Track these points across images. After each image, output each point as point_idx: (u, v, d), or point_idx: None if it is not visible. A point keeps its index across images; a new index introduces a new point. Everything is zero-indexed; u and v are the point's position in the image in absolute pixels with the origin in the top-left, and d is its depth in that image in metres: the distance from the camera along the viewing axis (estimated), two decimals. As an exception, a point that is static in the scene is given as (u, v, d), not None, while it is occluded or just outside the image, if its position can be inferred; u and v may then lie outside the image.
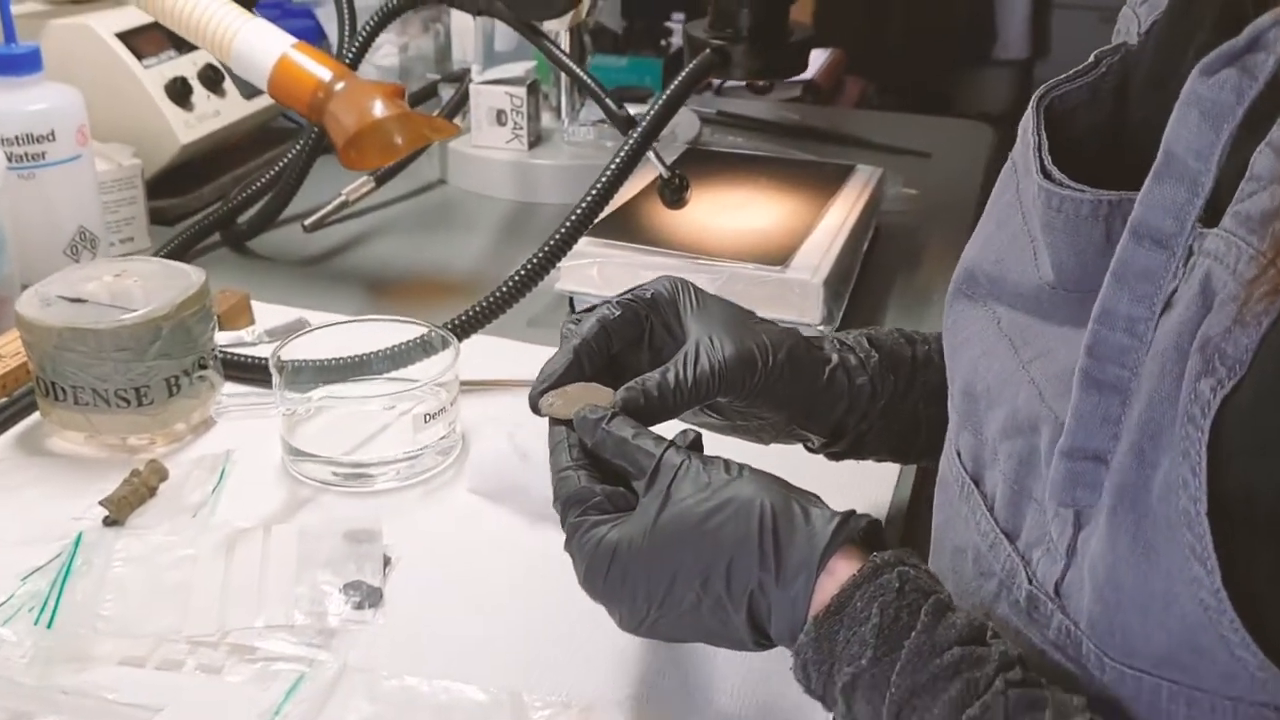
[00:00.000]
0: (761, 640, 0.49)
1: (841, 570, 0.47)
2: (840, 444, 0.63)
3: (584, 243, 0.87)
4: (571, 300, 0.91)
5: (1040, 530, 0.45)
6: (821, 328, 0.85)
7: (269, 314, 0.90)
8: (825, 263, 0.88)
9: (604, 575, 0.49)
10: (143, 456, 0.72)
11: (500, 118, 1.14)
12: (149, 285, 0.74)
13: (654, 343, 0.60)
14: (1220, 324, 0.37)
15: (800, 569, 0.47)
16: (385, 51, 1.34)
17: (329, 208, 1.07)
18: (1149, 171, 0.41)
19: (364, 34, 0.96)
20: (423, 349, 0.76)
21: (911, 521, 0.72)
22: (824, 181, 1.04)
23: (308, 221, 1.06)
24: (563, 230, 0.80)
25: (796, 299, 0.86)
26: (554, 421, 0.54)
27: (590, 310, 0.59)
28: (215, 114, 1.10)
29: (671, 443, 0.52)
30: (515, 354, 0.85)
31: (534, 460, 0.66)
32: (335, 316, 0.91)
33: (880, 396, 0.62)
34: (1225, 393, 0.36)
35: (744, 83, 1.53)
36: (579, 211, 0.81)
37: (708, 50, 0.87)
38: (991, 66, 4.92)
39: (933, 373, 0.62)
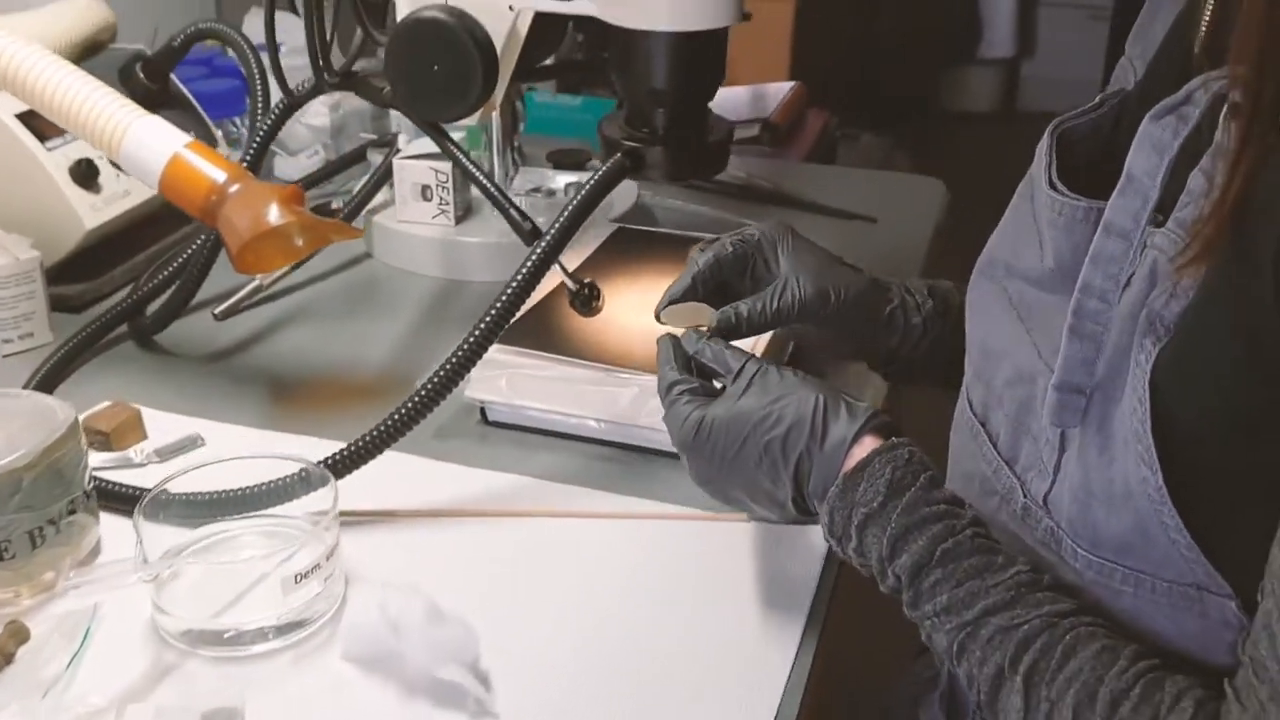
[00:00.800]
0: (798, 500, 0.66)
1: (868, 443, 0.64)
2: (892, 367, 0.83)
3: (495, 350, 0.84)
4: (483, 409, 0.88)
5: (1034, 457, 0.61)
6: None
7: (164, 426, 0.86)
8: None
9: (694, 434, 0.67)
10: (8, 611, 0.68)
11: (425, 193, 1.10)
12: (10, 428, 0.70)
13: (755, 273, 0.79)
14: (1160, 298, 0.53)
15: (840, 440, 0.64)
16: (316, 110, 1.30)
17: (242, 293, 1.03)
18: None
19: (261, 135, 0.91)
20: (303, 483, 0.73)
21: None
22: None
23: (218, 310, 1.02)
24: (454, 359, 0.76)
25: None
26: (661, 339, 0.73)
27: (712, 243, 0.79)
28: (125, 194, 1.05)
29: (752, 355, 0.70)
30: (415, 472, 0.82)
31: (406, 631, 0.62)
32: (232, 429, 0.87)
33: (929, 334, 0.81)
34: (1161, 345, 0.52)
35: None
36: (475, 335, 0.77)
37: (619, 155, 0.82)
38: (978, 65, 4.88)
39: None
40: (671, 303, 0.76)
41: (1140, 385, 0.53)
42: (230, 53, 1.14)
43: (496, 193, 0.83)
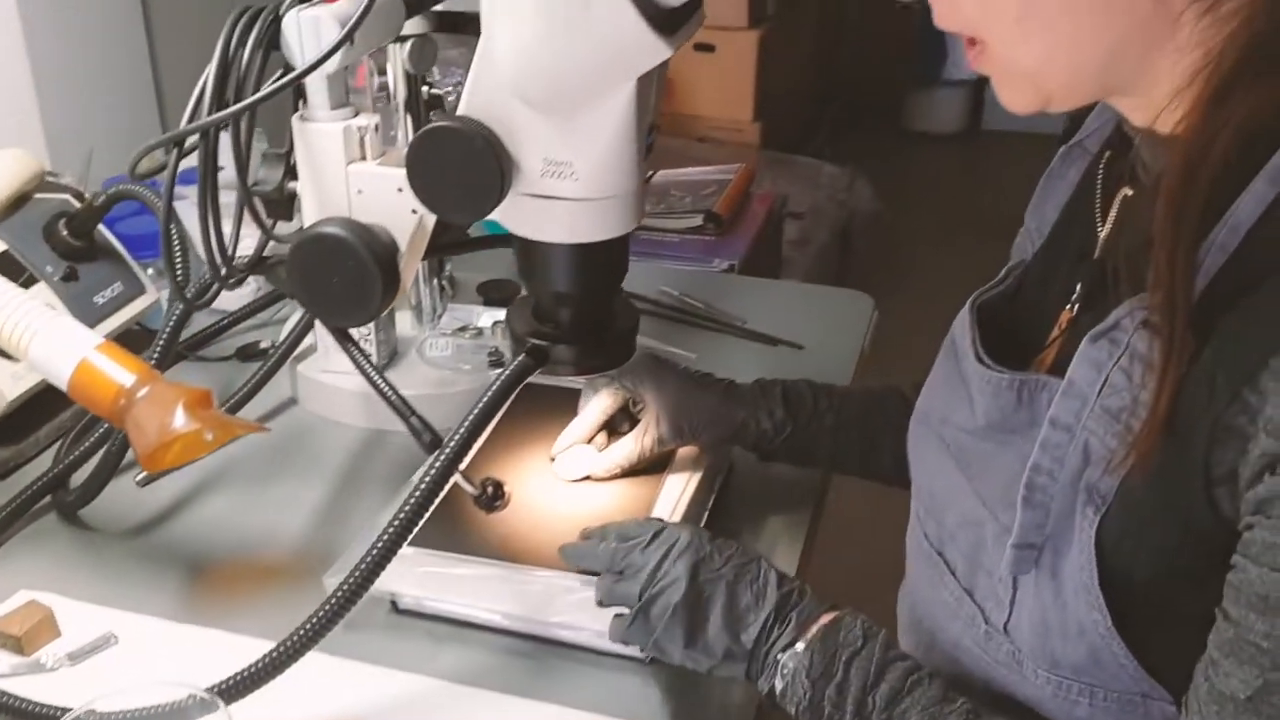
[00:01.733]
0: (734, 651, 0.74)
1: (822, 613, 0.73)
2: (758, 452, 0.99)
3: (405, 547, 0.85)
4: (393, 600, 0.89)
5: (990, 589, 0.69)
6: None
7: (79, 620, 0.87)
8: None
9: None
10: None
11: (349, 343, 1.11)
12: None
13: (634, 405, 0.98)
14: (1096, 473, 0.62)
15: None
16: (247, 244, 1.30)
17: (165, 458, 1.04)
18: (1034, 348, 0.74)
19: (166, 333, 0.92)
20: (198, 707, 0.73)
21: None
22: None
23: (140, 476, 1.03)
24: (354, 578, 0.77)
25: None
26: None
27: (596, 383, 0.98)
28: (46, 359, 1.06)
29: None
30: (320, 672, 0.82)
31: None
32: (147, 622, 0.88)
33: (780, 435, 0.97)
34: (1101, 513, 0.62)
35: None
36: (374, 552, 0.78)
37: (524, 356, 0.84)
38: (942, 87, 4.90)
39: (824, 422, 0.97)
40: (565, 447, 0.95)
41: (1086, 546, 0.63)
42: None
43: (397, 400, 0.84)
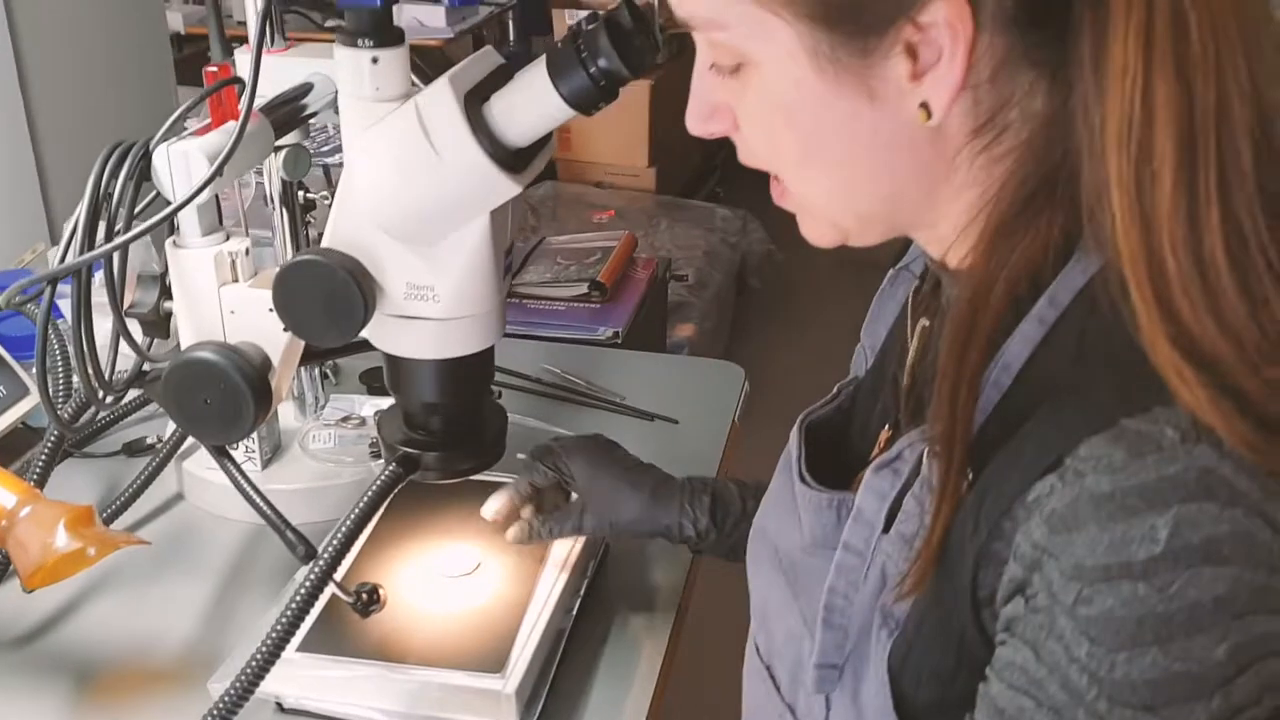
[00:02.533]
0: None
1: None
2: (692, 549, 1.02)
3: (287, 651, 0.88)
4: (279, 702, 0.92)
5: (809, 706, 0.70)
6: None
7: (-36, 738, 0.89)
8: (526, 665, 0.91)
9: None
10: None
11: (233, 441, 1.14)
12: None
13: (564, 485, 1.02)
14: (890, 597, 0.63)
15: None
16: (125, 358, 1.32)
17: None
18: (860, 465, 0.71)
19: (44, 456, 0.95)
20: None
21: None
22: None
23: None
24: (235, 687, 0.81)
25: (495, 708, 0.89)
26: None
27: (529, 460, 1.03)
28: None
29: None
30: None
31: None
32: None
33: (705, 540, 0.99)
34: (895, 637, 0.63)
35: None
36: (256, 660, 0.82)
37: (394, 465, 0.88)
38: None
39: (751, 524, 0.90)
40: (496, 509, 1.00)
41: (880, 668, 0.64)
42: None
43: (273, 515, 0.88)
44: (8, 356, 1.21)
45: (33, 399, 1.21)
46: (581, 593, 1.02)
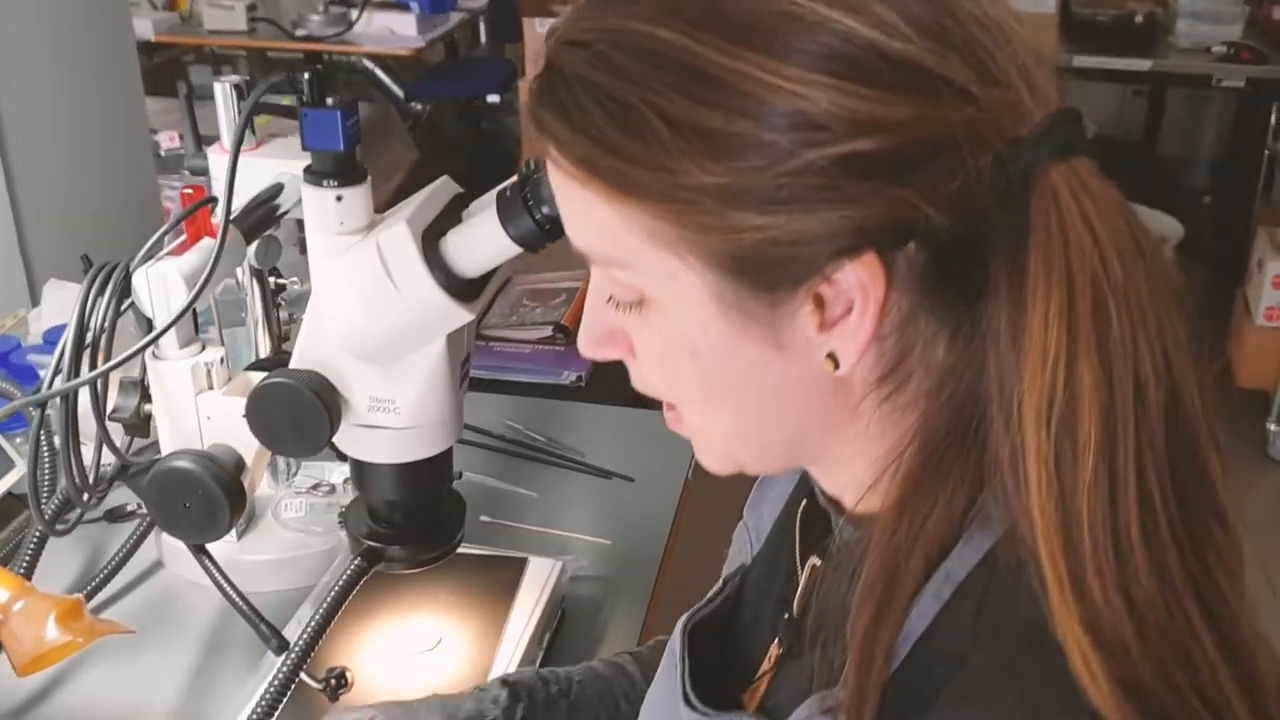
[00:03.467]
0: None
1: None
2: None
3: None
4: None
5: None
6: None
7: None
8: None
9: None
10: None
11: (210, 514, 1.21)
12: None
13: None
14: None
15: None
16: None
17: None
18: (749, 673, 0.71)
19: (32, 548, 1.01)
20: None
21: None
22: (499, 590, 1.14)
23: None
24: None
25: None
26: None
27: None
28: (-79, 548, 1.14)
29: None
30: None
31: None
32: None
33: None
34: None
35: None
36: (235, 749, 0.89)
37: (358, 558, 0.95)
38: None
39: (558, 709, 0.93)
40: None
41: None
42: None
43: (248, 610, 0.95)
44: (-6, 434, 1.28)
45: (18, 472, 1.28)
46: (539, 661, 1.09)
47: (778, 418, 0.60)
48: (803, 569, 0.70)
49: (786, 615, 0.71)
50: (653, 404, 0.66)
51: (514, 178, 0.84)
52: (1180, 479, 0.51)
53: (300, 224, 1.30)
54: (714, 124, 0.52)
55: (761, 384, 0.58)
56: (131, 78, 1.95)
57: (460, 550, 1.13)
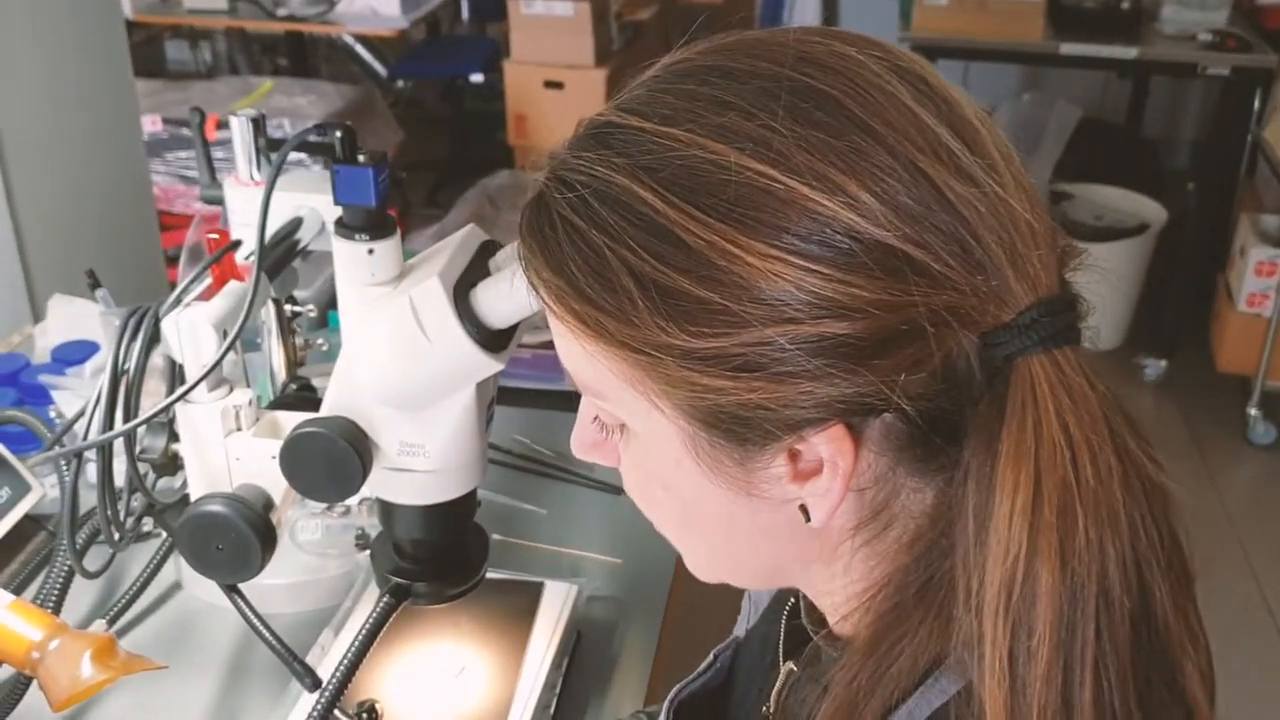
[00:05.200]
0: None
1: None
2: None
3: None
4: (284, 804, 1.02)
5: None
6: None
7: (0, 847, 0.98)
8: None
9: None
10: None
11: (229, 538, 1.23)
12: None
13: None
14: None
15: None
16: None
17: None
18: None
19: (58, 587, 1.03)
20: None
21: None
22: (518, 615, 1.16)
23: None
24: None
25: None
26: None
27: None
28: (-55, 578, 1.15)
29: None
30: None
31: None
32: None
33: None
34: None
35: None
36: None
37: (387, 596, 0.97)
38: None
39: None
40: None
41: None
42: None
43: (280, 646, 0.97)
44: (10, 456, 1.28)
45: (36, 494, 1.29)
46: (558, 687, 1.12)
47: (751, 553, 0.61)
48: (782, 670, 0.71)
49: (764, 709, 0.72)
50: None
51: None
52: (1144, 687, 0.51)
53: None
54: (681, 287, 0.52)
55: (734, 524, 0.59)
56: (123, 73, 1.94)
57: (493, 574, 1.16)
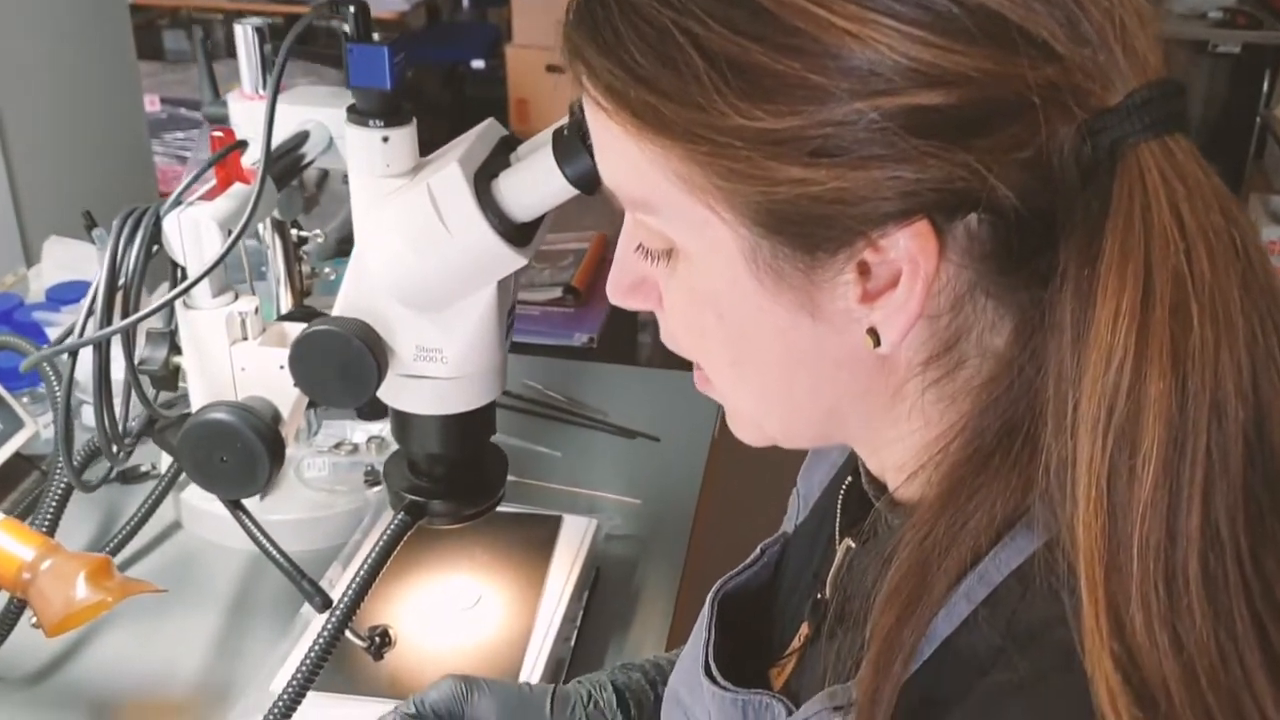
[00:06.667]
0: None
1: None
2: None
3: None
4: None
5: None
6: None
7: (-9, 780, 0.93)
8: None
9: None
10: None
11: (231, 473, 1.17)
12: None
13: None
14: None
15: None
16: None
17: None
18: (780, 649, 0.68)
19: (53, 507, 0.98)
20: None
21: None
22: (536, 548, 1.11)
23: (34, 620, 1.07)
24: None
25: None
26: None
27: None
28: (-65, 509, 1.10)
29: None
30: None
31: None
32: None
33: None
34: None
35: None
36: (277, 709, 0.86)
37: (401, 513, 0.92)
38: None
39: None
40: None
41: None
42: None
43: (289, 567, 0.92)
44: (3, 391, 1.23)
45: (28, 431, 1.24)
46: (578, 621, 1.07)
47: (809, 391, 0.55)
48: (839, 548, 0.66)
49: (818, 595, 0.67)
50: (675, 363, 0.61)
51: (568, 117, 0.81)
52: (1257, 513, 0.46)
53: (321, 174, 1.27)
54: (756, 60, 0.46)
55: (792, 353, 0.54)
56: (121, 28, 1.90)
57: (504, 509, 1.11)
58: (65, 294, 1.40)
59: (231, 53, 1.16)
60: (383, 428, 1.29)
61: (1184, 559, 0.45)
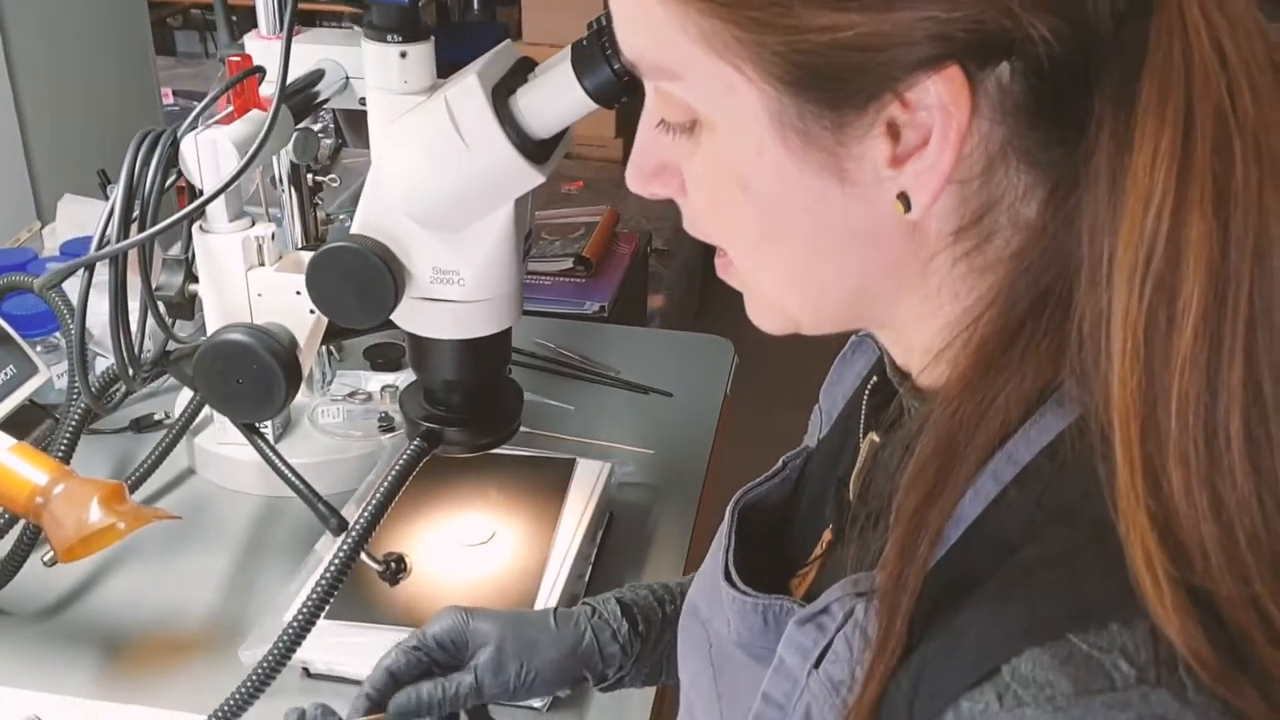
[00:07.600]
0: None
1: None
2: (603, 685, 0.86)
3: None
4: (305, 668, 0.96)
5: None
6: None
7: (2, 705, 0.93)
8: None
9: None
10: None
11: (245, 417, 1.17)
12: None
13: (442, 666, 0.82)
14: None
15: None
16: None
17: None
18: (803, 558, 0.66)
19: (71, 427, 0.98)
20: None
21: None
22: (549, 488, 1.11)
23: (46, 556, 1.07)
24: (271, 656, 0.85)
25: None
26: None
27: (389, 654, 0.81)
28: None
29: None
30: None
31: None
32: (69, 703, 0.94)
33: (630, 654, 0.85)
34: None
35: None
36: (291, 629, 0.85)
37: (418, 440, 0.92)
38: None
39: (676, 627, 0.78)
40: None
41: None
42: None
43: (305, 489, 0.92)
44: (16, 335, 1.23)
45: (42, 376, 1.23)
46: (592, 559, 1.06)
47: (837, 265, 0.53)
48: (863, 444, 0.64)
49: (844, 495, 0.65)
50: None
51: (589, 29, 0.81)
52: None
53: (337, 115, 1.27)
54: None
55: (820, 223, 0.51)
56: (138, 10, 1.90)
57: (507, 451, 1.10)
58: (79, 249, 1.40)
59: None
60: (396, 377, 1.29)
61: (1225, 415, 0.42)
